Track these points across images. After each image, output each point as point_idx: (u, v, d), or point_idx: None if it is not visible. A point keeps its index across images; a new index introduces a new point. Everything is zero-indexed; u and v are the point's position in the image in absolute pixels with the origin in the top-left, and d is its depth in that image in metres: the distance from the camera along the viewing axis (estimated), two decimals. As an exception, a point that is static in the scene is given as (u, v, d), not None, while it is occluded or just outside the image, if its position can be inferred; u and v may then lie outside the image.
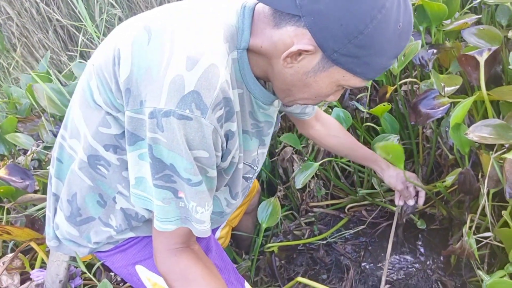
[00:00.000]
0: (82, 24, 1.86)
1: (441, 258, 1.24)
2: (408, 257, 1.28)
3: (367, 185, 1.47)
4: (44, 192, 1.19)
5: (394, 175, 1.10)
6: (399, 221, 1.22)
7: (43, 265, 0.93)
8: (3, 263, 0.88)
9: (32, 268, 0.91)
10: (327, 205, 1.53)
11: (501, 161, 0.82)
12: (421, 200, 1.12)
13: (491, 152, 0.82)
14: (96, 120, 0.66)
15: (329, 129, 1.12)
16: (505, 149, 0.83)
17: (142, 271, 0.80)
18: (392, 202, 1.38)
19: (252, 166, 0.83)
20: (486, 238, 0.81)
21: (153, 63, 0.58)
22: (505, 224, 0.76)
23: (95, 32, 1.55)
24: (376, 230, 1.41)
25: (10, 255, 0.92)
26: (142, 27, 0.61)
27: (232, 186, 0.80)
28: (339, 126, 1.14)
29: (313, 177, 1.48)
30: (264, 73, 0.68)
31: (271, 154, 1.52)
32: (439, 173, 1.40)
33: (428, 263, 1.25)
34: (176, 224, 0.65)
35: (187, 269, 0.67)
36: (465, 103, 0.84)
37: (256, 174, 0.88)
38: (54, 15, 2.14)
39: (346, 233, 1.43)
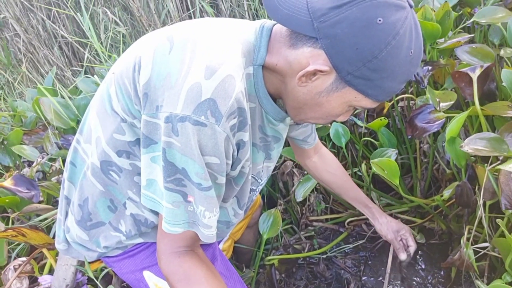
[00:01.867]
0: (88, 41, 1.92)
1: (441, 273, 1.25)
2: (409, 272, 1.29)
3: (366, 199, 1.49)
4: (48, 202, 1.20)
5: (385, 223, 1.07)
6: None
7: (51, 272, 0.94)
8: (14, 267, 0.89)
9: (41, 274, 0.92)
10: (327, 219, 1.54)
11: (496, 174, 0.84)
12: (412, 249, 1.04)
13: (486, 165, 0.84)
14: (112, 126, 0.68)
15: (326, 164, 1.11)
16: (499, 162, 0.85)
17: (149, 277, 0.80)
18: (391, 216, 1.39)
19: (256, 178, 0.84)
20: (484, 248, 0.83)
21: (173, 71, 0.60)
22: (502, 235, 0.78)
23: (101, 48, 1.60)
24: (376, 244, 1.41)
25: (20, 260, 0.93)
26: (165, 37, 0.65)
27: (241, 198, 0.82)
28: (337, 164, 1.13)
29: (312, 191, 1.50)
30: (277, 90, 0.70)
31: (271, 168, 1.55)
32: (437, 187, 1.42)
33: (428, 277, 1.26)
34: (184, 227, 0.66)
35: (190, 270, 0.68)
36: (459, 118, 0.87)
37: (260, 187, 0.89)
38: (59, 32, 2.20)
39: (346, 247, 1.44)
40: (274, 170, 1.54)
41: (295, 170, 1.45)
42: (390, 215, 1.40)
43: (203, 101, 0.58)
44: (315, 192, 1.53)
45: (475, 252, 0.85)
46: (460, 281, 1.15)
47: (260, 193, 1.51)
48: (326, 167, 1.11)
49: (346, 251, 1.43)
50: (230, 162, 0.67)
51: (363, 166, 1.38)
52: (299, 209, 1.53)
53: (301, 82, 0.64)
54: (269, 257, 1.29)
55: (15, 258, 1.07)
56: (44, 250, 0.94)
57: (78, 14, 1.95)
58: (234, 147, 0.66)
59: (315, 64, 0.61)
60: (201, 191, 0.64)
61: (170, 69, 0.61)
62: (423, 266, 1.28)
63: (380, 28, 0.57)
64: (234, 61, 0.62)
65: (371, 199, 1.46)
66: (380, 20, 0.57)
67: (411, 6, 0.61)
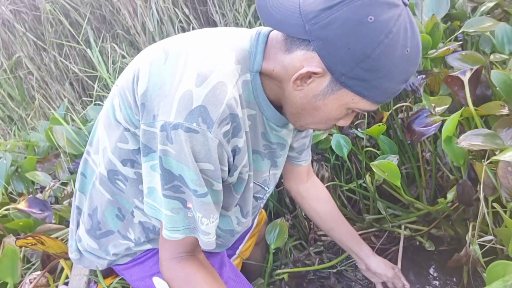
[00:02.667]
0: (97, 73, 2.02)
1: (454, 279, 1.23)
2: (420, 280, 1.27)
3: (373, 211, 1.49)
4: (61, 224, 1.23)
5: (380, 261, 1.03)
6: None
7: (67, 283, 0.96)
8: (30, 280, 0.91)
9: (56, 287, 0.94)
10: (335, 234, 1.54)
11: (494, 169, 0.86)
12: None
13: (483, 160, 0.86)
14: (116, 136, 0.71)
15: (318, 191, 1.06)
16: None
17: (159, 283, 0.81)
18: (399, 226, 1.39)
19: (263, 186, 0.84)
20: (489, 242, 0.83)
21: (167, 80, 0.62)
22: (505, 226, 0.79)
23: (110, 78, 1.69)
24: (385, 255, 1.40)
25: (35, 273, 0.95)
26: (161, 49, 0.68)
27: (243, 206, 0.82)
28: (328, 195, 1.07)
29: (319, 205, 1.51)
30: (277, 96, 0.70)
31: (277, 184, 1.57)
32: (443, 195, 1.42)
33: (440, 284, 1.24)
34: (184, 233, 0.67)
35: (191, 274, 0.69)
36: (454, 116, 0.91)
37: (267, 195, 0.88)
38: (71, 68, 2.32)
39: (355, 260, 1.42)
40: (279, 186, 1.56)
41: (300, 184, 1.47)
42: (399, 226, 1.40)
43: (194, 108, 0.59)
44: (322, 207, 1.53)
45: (482, 249, 0.85)
46: (471, 286, 1.13)
47: (266, 209, 1.52)
48: (319, 194, 1.06)
49: (356, 264, 1.42)
50: (226, 169, 0.68)
51: (367, 177, 1.40)
52: (306, 224, 1.53)
53: (296, 86, 0.64)
54: (279, 271, 1.29)
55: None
56: (61, 261, 0.96)
57: (88, 50, 2.07)
58: (229, 154, 0.66)
59: (309, 66, 0.61)
60: (197, 197, 0.64)
61: (164, 79, 0.62)
62: (434, 274, 1.27)
63: (372, 27, 0.57)
64: (226, 68, 0.63)
65: (378, 210, 1.46)
66: (371, 19, 0.57)
67: (405, 4, 0.60)
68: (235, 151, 0.68)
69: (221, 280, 0.72)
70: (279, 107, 0.74)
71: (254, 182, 0.80)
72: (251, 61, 0.67)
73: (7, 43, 2.36)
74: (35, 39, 2.35)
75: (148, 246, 0.82)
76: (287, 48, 0.64)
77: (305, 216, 1.54)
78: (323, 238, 1.52)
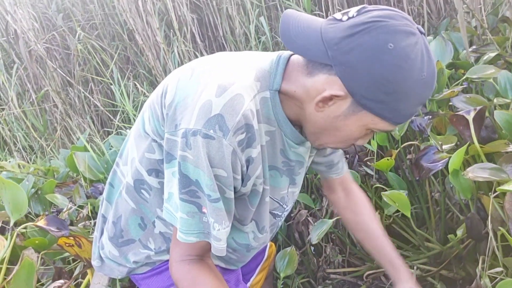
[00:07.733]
0: (118, 109, 2.13)
1: (467, 323, 1.19)
2: (432, 323, 1.23)
3: (383, 251, 1.48)
4: (75, 244, 1.26)
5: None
6: None
7: None
8: (54, 287, 0.92)
9: None
10: (345, 273, 1.52)
11: (501, 202, 0.89)
12: None
13: (490, 193, 0.89)
14: (144, 146, 0.76)
15: (351, 203, 1.04)
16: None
17: None
18: (411, 267, 1.38)
19: (281, 203, 0.86)
20: (499, 274, 0.84)
21: (190, 93, 0.68)
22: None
23: (132, 111, 1.79)
24: (396, 296, 1.37)
25: (59, 282, 0.96)
26: (189, 67, 0.75)
27: (259, 221, 0.84)
28: (365, 206, 1.02)
29: (328, 242, 1.51)
30: (297, 116, 0.73)
31: (286, 217, 1.58)
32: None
33: (453, 329, 1.20)
34: (198, 237, 0.70)
35: (198, 277, 0.71)
36: (460, 150, 0.95)
37: (285, 213, 0.90)
38: (93, 102, 2.46)
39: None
40: (289, 220, 1.57)
41: (310, 218, 1.49)
42: (410, 267, 1.38)
43: (213, 116, 0.64)
44: (331, 243, 1.53)
45: (492, 282, 0.85)
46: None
47: (275, 243, 1.52)
48: (351, 205, 1.03)
49: (367, 304, 1.39)
50: (239, 177, 0.71)
51: (377, 215, 1.41)
52: (315, 261, 1.52)
53: (318, 108, 0.68)
54: (287, 305, 1.27)
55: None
56: (89, 270, 0.98)
57: (112, 86, 2.21)
58: (242, 162, 0.69)
59: (331, 89, 0.65)
60: (211, 202, 0.68)
61: (188, 92, 0.68)
62: (447, 316, 1.23)
63: (392, 53, 0.61)
64: (245, 82, 0.68)
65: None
66: (391, 46, 0.61)
67: (421, 33, 0.64)
68: (248, 161, 0.71)
69: (227, 286, 0.73)
70: (297, 126, 0.78)
71: (271, 198, 0.83)
72: (271, 80, 0.71)
73: (37, 77, 2.53)
74: (63, 75, 2.52)
75: (168, 257, 0.83)
76: (308, 72, 0.69)
77: (314, 253, 1.53)
78: (332, 276, 1.50)
